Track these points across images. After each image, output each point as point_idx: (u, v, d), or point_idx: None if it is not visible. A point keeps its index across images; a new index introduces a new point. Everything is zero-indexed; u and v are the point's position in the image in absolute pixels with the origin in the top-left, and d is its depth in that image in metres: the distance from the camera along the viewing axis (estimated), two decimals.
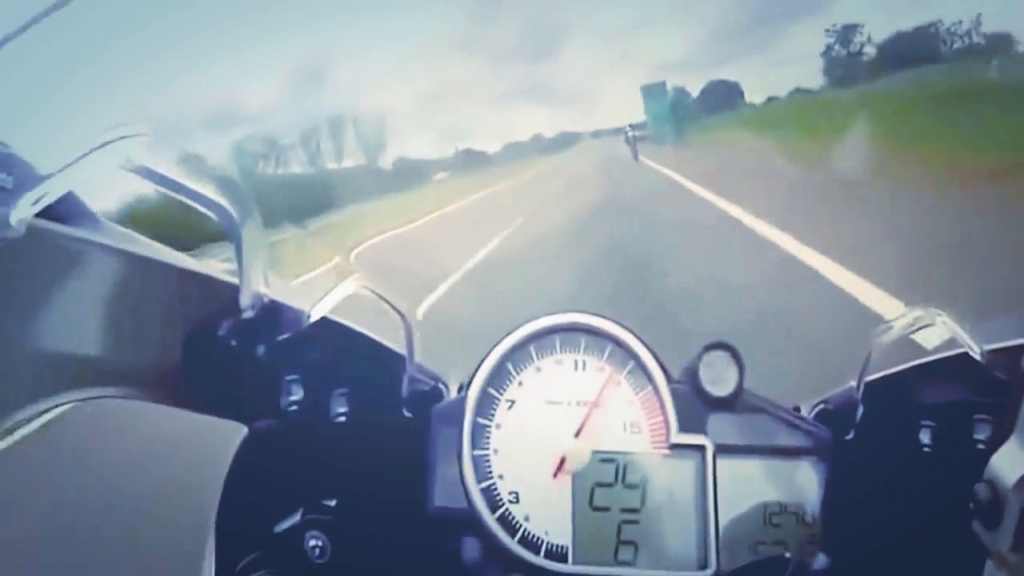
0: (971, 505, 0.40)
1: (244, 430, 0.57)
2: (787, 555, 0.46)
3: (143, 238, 0.50)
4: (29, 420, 0.39)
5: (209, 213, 0.46)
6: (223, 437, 0.57)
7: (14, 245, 0.36)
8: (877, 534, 0.59)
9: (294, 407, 0.58)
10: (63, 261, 0.41)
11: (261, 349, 0.53)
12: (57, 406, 0.41)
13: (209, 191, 0.45)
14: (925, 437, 0.60)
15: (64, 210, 0.42)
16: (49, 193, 0.37)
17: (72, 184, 0.39)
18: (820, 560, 0.61)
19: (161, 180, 0.42)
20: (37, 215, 0.37)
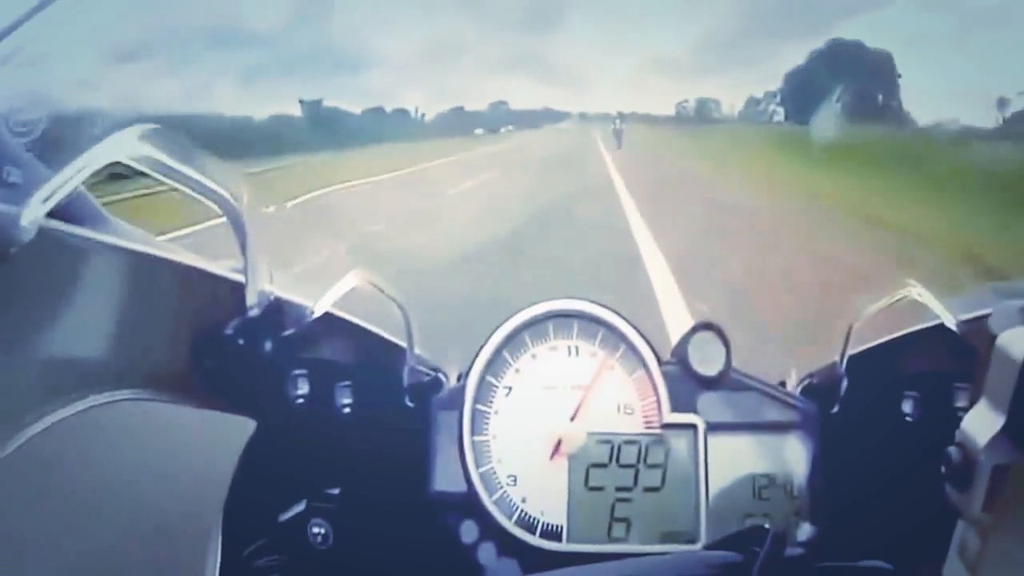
0: (943, 469, 0.42)
1: (253, 424, 0.59)
2: (766, 526, 0.48)
3: (149, 235, 0.51)
4: (40, 423, 0.39)
5: (215, 206, 0.46)
6: (233, 432, 0.58)
7: (25, 249, 0.35)
8: (863, 501, 0.61)
9: (301, 400, 0.60)
10: (71, 263, 0.41)
11: (268, 346, 0.54)
12: (72, 412, 0.41)
13: (213, 184, 0.45)
14: (907, 407, 0.62)
15: (71, 208, 0.42)
16: (59, 190, 0.37)
17: (81, 178, 0.39)
18: (806, 530, 0.63)
19: (169, 171, 0.42)
20: (47, 214, 0.37)
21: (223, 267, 0.51)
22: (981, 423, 0.40)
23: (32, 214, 0.35)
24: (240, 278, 0.50)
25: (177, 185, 0.43)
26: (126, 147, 0.40)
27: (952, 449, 0.42)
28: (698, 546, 0.62)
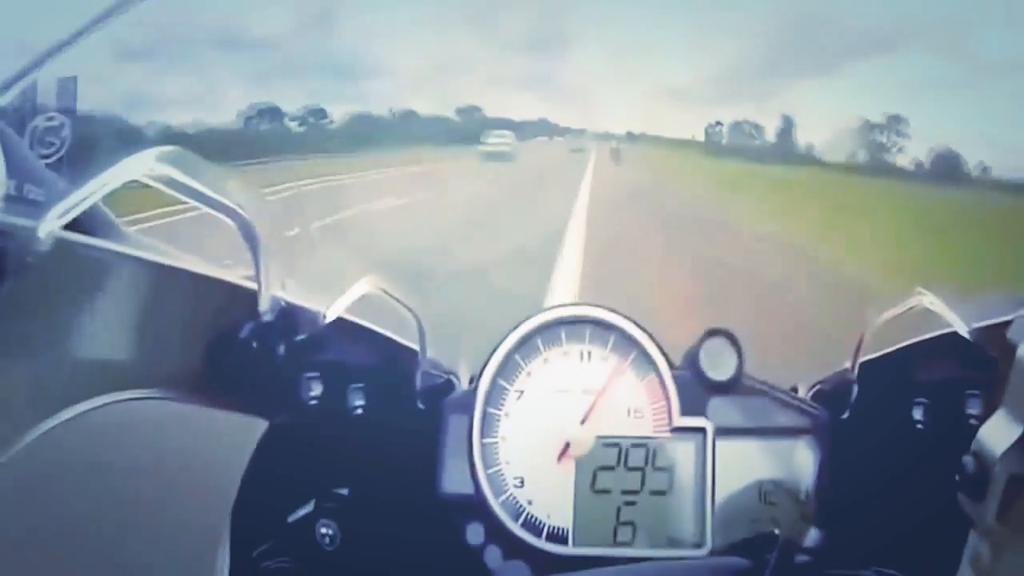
0: (956, 478, 0.42)
1: (265, 424, 0.59)
2: (776, 532, 0.48)
3: (164, 246, 0.52)
4: (55, 418, 0.40)
5: (228, 221, 0.47)
6: (246, 432, 0.59)
7: (44, 257, 0.37)
8: (872, 508, 0.61)
9: (314, 402, 0.60)
10: (90, 271, 0.42)
11: (281, 349, 0.54)
12: (89, 410, 0.42)
13: (227, 200, 0.46)
14: (918, 414, 0.63)
15: (88, 221, 0.44)
16: (76, 206, 0.39)
17: (98, 196, 0.40)
18: (813, 536, 0.63)
19: (183, 189, 0.43)
20: (64, 227, 0.38)
21: (236, 275, 0.51)
22: (998, 433, 0.40)
23: (48, 227, 0.37)
24: (253, 285, 0.51)
25: (191, 201, 0.44)
26: (143, 167, 0.41)
27: (967, 458, 0.42)
28: (704, 551, 0.62)
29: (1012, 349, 0.41)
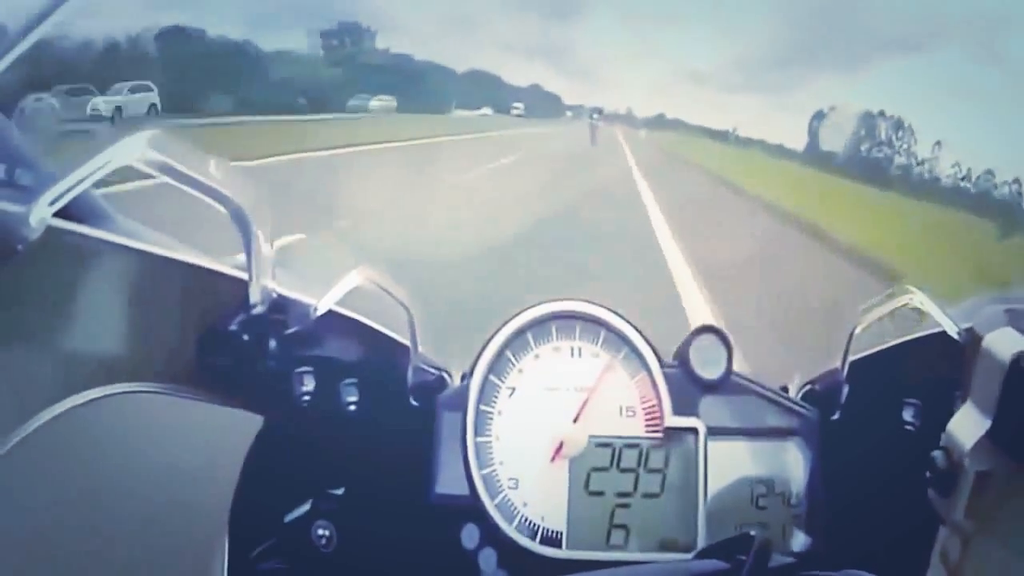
0: (928, 474, 0.42)
1: (260, 421, 0.60)
2: (752, 533, 0.47)
3: (156, 234, 0.52)
4: (48, 412, 0.40)
5: (221, 208, 0.47)
6: (239, 428, 0.59)
7: (34, 245, 0.36)
8: (862, 510, 0.60)
9: (307, 398, 0.61)
10: (80, 260, 0.42)
11: (272, 342, 0.55)
12: (80, 404, 0.42)
13: (222, 186, 0.46)
14: (908, 414, 0.62)
15: (80, 208, 0.44)
16: (67, 192, 0.38)
17: (89, 182, 0.39)
18: (800, 540, 0.63)
19: (176, 175, 0.43)
20: (55, 214, 0.38)
21: (227, 264, 0.51)
22: (966, 427, 0.40)
23: (40, 214, 0.37)
24: (244, 275, 0.50)
25: (183, 187, 0.44)
26: (135, 152, 0.41)
27: (937, 453, 0.42)
28: (692, 555, 0.62)
29: (979, 341, 0.40)
